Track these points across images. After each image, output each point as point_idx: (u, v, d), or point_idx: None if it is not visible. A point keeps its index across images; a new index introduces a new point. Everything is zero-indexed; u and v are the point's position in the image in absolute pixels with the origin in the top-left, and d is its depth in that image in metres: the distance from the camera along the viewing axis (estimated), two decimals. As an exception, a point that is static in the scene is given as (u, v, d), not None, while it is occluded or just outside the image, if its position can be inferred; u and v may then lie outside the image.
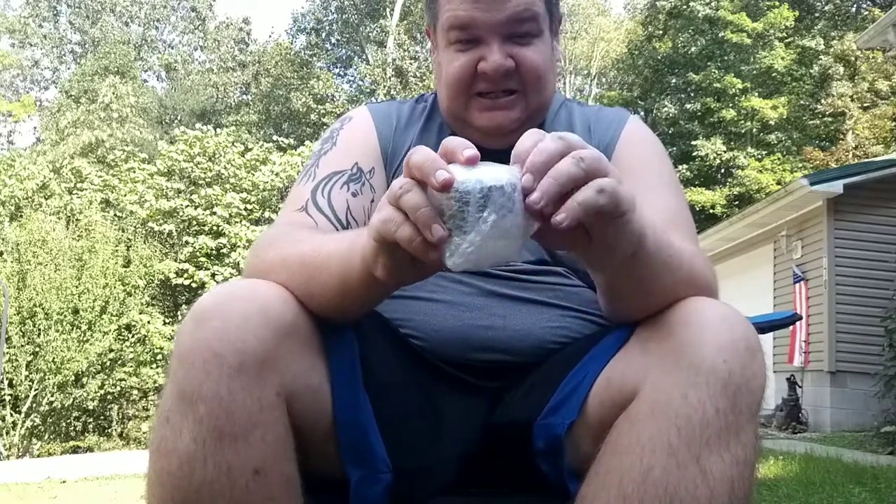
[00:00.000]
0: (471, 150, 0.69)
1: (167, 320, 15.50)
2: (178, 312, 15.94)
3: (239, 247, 15.37)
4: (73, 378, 12.36)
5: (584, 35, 26.31)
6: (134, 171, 16.41)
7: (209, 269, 15.40)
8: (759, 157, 19.00)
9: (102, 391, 13.25)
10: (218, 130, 17.39)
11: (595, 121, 1.18)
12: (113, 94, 21.27)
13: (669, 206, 1.04)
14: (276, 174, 16.22)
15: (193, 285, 15.19)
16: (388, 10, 25.16)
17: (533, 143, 0.71)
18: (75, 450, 12.68)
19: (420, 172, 0.69)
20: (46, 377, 11.96)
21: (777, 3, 19.41)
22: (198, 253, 15.59)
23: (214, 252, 15.66)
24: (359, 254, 0.78)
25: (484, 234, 0.67)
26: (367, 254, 0.76)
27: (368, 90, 25.09)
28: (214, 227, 15.72)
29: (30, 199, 15.37)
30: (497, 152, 1.13)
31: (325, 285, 0.83)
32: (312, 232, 0.97)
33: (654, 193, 1.05)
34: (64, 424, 13.15)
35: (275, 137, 19.52)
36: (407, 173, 0.71)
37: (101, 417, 14.19)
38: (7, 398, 11.86)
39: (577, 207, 0.68)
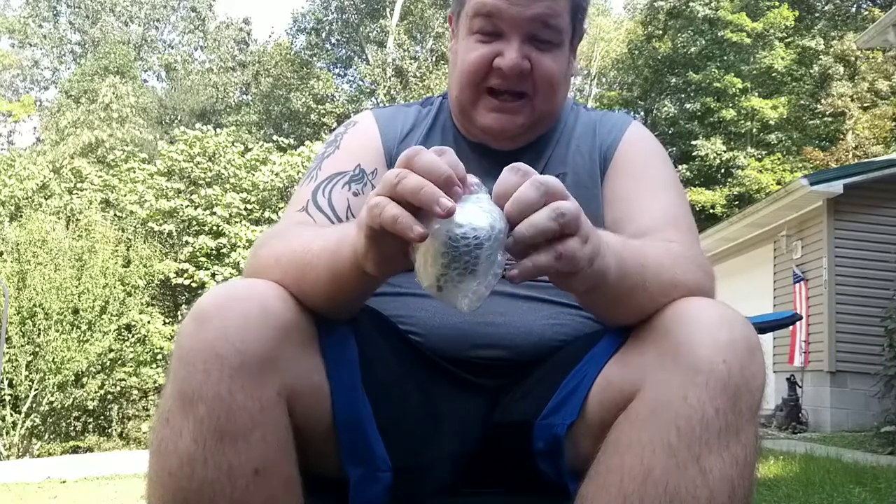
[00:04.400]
0: (454, 187, 0.69)
1: (167, 320, 15.48)
2: (178, 312, 15.92)
3: (239, 247, 15.34)
4: (73, 378, 12.32)
5: (584, 35, 26.24)
6: (134, 171, 16.38)
7: (209, 269, 15.36)
8: (759, 157, 18.99)
9: (102, 391, 13.22)
10: (218, 130, 17.34)
11: (600, 124, 1.19)
12: (113, 94, 21.22)
13: (670, 207, 1.04)
14: (276, 174, 16.18)
15: (193, 285, 15.17)
16: (388, 10, 25.12)
17: (515, 184, 0.71)
18: (75, 450, 12.66)
19: (416, 197, 0.69)
20: (46, 377, 11.93)
21: (777, 3, 19.39)
22: (198, 253, 15.56)
23: (214, 252, 15.64)
24: (349, 248, 0.78)
25: (497, 276, 0.69)
26: (358, 250, 0.76)
27: (368, 90, 25.07)
28: (214, 227, 15.69)
29: (30, 199, 15.34)
30: (503, 154, 1.13)
31: (316, 281, 0.83)
32: (305, 229, 0.97)
33: (655, 194, 1.06)
34: (64, 424, 13.13)
35: (275, 137, 19.47)
36: (403, 167, 0.71)
37: (101, 417, 14.17)
38: (7, 398, 11.84)
39: (532, 268, 0.70)
